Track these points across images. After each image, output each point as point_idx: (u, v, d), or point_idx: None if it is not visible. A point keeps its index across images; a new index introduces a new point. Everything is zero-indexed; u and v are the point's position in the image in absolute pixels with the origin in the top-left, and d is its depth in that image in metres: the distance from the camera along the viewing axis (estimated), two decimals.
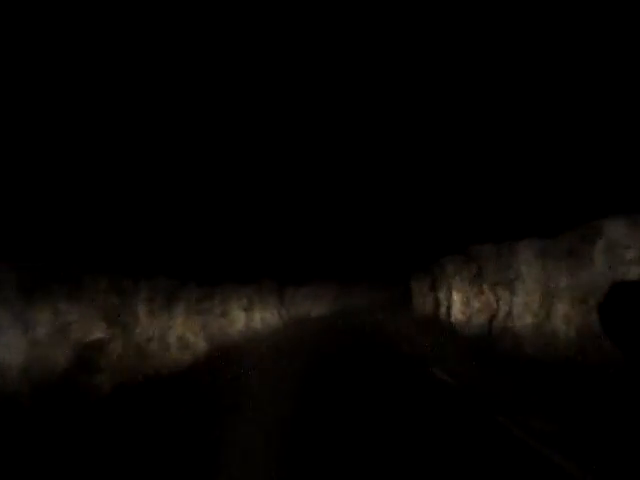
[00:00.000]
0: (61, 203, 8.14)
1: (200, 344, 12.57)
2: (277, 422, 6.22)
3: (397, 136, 11.70)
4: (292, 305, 24.67)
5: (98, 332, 8.00)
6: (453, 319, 15.64)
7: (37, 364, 6.86)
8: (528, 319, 9.92)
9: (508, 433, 5.32)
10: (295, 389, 8.19)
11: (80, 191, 8.59)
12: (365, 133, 12.13)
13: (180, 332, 11.62)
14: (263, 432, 5.82)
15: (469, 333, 13.72)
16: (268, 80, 9.92)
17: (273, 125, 11.51)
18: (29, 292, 6.65)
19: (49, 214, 7.73)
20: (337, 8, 8.33)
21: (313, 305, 28.44)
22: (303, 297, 26.63)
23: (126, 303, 9.05)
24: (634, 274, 7.05)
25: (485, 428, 5.56)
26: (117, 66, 7.82)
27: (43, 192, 7.79)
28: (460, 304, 15.02)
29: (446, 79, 9.64)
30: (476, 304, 13.53)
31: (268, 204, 15.28)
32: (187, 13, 7.81)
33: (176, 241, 11.57)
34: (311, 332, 19.39)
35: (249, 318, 17.76)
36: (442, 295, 17.83)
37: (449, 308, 16.40)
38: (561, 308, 8.57)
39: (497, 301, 11.87)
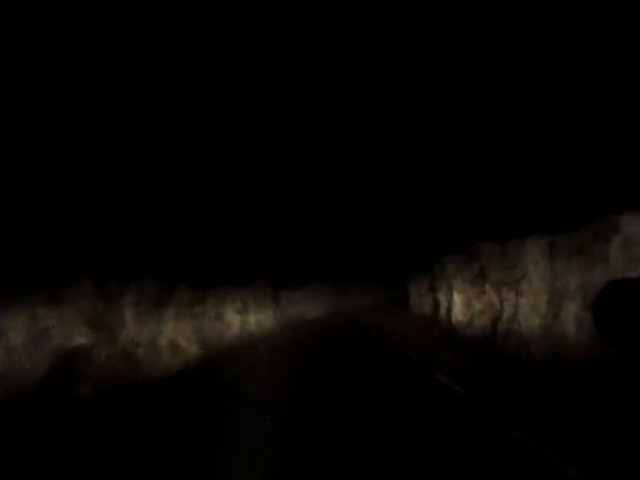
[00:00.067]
0: (41, 200, 7.73)
1: (192, 349, 12.23)
2: (274, 426, 6.12)
3: (392, 127, 11.33)
4: (288, 307, 24.38)
5: (80, 338, 7.54)
6: (454, 320, 15.32)
7: (12, 372, 6.44)
8: (535, 321, 9.49)
9: (525, 447, 4.89)
10: (292, 392, 8.07)
11: (62, 187, 8.24)
12: (359, 126, 11.83)
13: (171, 336, 11.26)
14: (260, 436, 5.72)
15: (471, 335, 13.38)
16: (264, 80, 9.78)
17: (269, 126, 11.38)
18: (1, 295, 6.18)
19: (27, 212, 7.29)
20: (337, 9, 8.22)
21: (309, 307, 28.17)
22: (299, 298, 26.33)
23: (112, 307, 8.61)
24: None
25: (498, 441, 5.14)
26: (117, 66, 7.73)
27: (21, 187, 7.37)
28: (461, 305, 14.69)
29: (448, 70, 9.34)
30: (478, 305, 13.15)
31: (263, 203, 14.96)
32: (187, 14, 7.74)
33: (167, 241, 11.27)
34: (307, 334, 19.41)
35: (244, 321, 17.49)
36: (442, 296, 17.56)
37: (449, 309, 16.12)
38: (572, 309, 8.13)
39: (501, 302, 11.46)
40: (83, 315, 7.75)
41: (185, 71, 9.02)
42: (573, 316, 8.27)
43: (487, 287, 12.43)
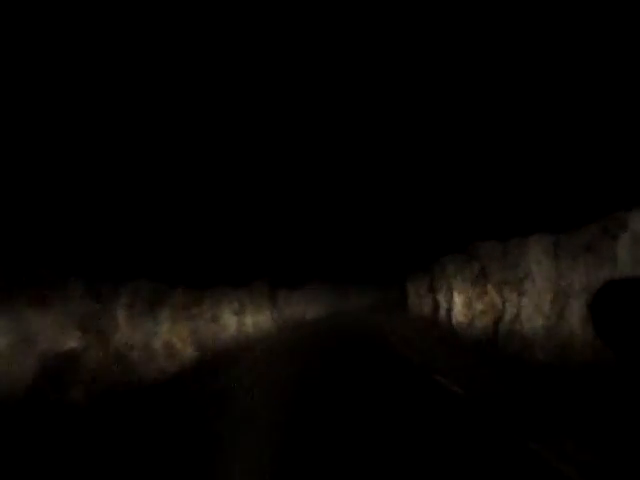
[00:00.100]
0: (30, 200, 7.50)
1: (188, 351, 11.99)
2: (272, 428, 6.06)
3: (392, 126, 11.12)
4: (285, 308, 24.14)
5: (71, 341, 7.30)
6: (454, 321, 15.11)
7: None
8: (538, 321, 9.27)
9: (526, 450, 4.72)
10: (290, 394, 8.02)
11: (55, 187, 8.03)
12: (358, 127, 11.63)
13: (166, 339, 11.02)
14: (257, 440, 5.65)
15: (471, 336, 13.18)
16: (263, 79, 9.63)
17: (265, 126, 11.18)
18: None
19: (15, 212, 7.06)
20: (337, 8, 8.05)
21: (307, 307, 27.93)
22: (297, 299, 26.09)
23: (104, 309, 8.38)
24: None
25: (498, 442, 4.99)
26: (116, 66, 7.56)
27: (10, 187, 7.15)
28: (461, 306, 14.49)
29: (447, 68, 9.16)
30: (479, 306, 12.94)
31: (259, 203, 14.75)
32: (187, 13, 7.58)
33: (162, 241, 11.05)
34: (305, 336, 19.28)
35: (241, 322, 17.26)
36: (441, 296, 17.37)
37: (449, 310, 15.92)
38: (577, 309, 7.91)
39: (503, 302, 11.25)
40: (74, 318, 7.52)
41: (185, 71, 8.90)
42: (578, 316, 8.06)
43: (489, 287, 12.22)
